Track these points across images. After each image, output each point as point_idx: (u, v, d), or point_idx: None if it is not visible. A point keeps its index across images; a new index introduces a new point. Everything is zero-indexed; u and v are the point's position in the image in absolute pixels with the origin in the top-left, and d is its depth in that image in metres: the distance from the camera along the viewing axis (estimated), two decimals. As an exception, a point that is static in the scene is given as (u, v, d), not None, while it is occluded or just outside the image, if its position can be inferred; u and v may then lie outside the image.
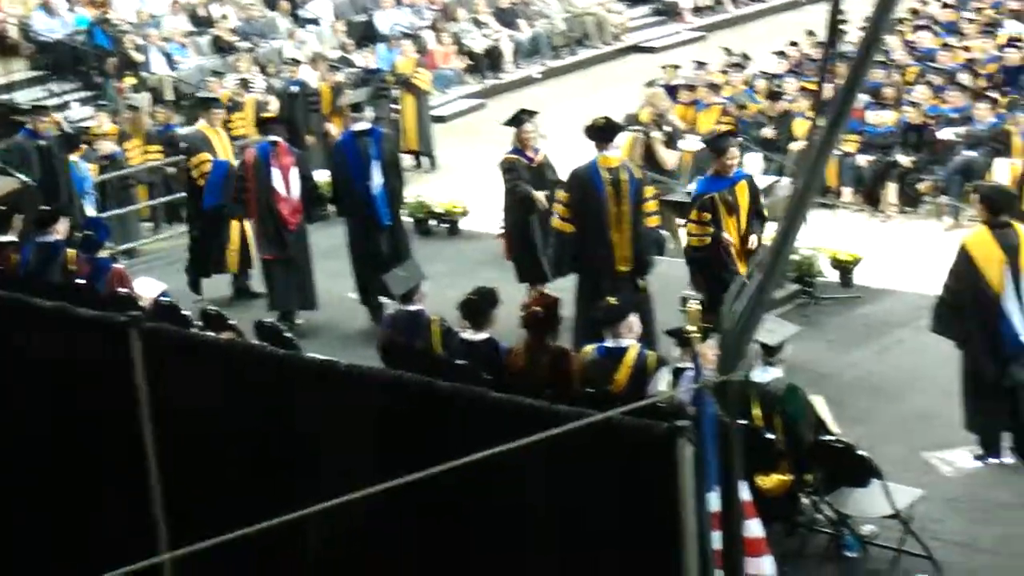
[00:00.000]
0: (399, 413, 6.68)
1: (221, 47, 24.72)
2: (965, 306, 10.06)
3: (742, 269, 11.48)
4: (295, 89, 20.98)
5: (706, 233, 11.75)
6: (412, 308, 10.58)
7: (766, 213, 12.06)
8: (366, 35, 25.88)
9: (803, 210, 5.02)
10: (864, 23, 5.00)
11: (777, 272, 5.17)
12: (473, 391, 6.30)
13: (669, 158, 16.26)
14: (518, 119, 13.73)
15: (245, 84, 21.22)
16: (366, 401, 6.88)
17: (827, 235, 15.28)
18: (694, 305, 6.19)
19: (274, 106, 19.97)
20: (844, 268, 13.93)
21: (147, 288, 11.94)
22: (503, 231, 14.15)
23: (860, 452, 9.07)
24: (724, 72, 21.99)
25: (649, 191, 12.17)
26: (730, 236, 11.72)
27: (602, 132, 12.08)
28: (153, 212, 18.66)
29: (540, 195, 13.33)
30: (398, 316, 10.69)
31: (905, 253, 15.60)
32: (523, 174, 13.47)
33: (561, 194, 12.17)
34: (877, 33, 4.73)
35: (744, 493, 6.19)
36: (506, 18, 27.45)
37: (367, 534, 6.73)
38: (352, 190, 13.66)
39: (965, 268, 10.04)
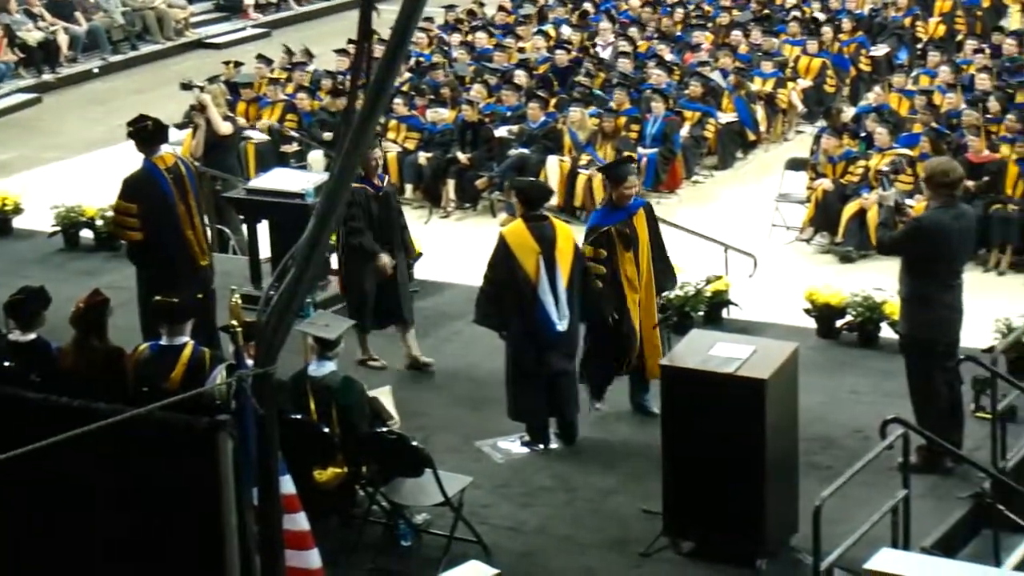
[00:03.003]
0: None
1: None
2: (504, 296, 10.47)
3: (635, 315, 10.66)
4: None
5: (598, 273, 10.68)
6: (-50, 311, 10.14)
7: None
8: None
9: (337, 205, 5.10)
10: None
11: (313, 266, 5.24)
12: (4, 391, 6.13)
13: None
14: None
15: None
16: None
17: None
18: (237, 299, 6.21)
19: None
20: (404, 263, 14.14)
21: None
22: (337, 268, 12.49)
23: (413, 443, 9.30)
24: (287, 69, 21.99)
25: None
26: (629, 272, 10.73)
27: (152, 135, 11.76)
28: None
29: (386, 260, 11.84)
30: (-65, 319, 10.23)
31: (463, 247, 16.00)
32: (370, 207, 11.84)
33: (126, 205, 11.73)
34: (404, 37, 4.86)
35: (288, 486, 6.26)
36: (62, 10, 26.58)
37: None
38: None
39: (503, 258, 10.46)
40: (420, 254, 14.16)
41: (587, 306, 10.67)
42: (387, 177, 12.32)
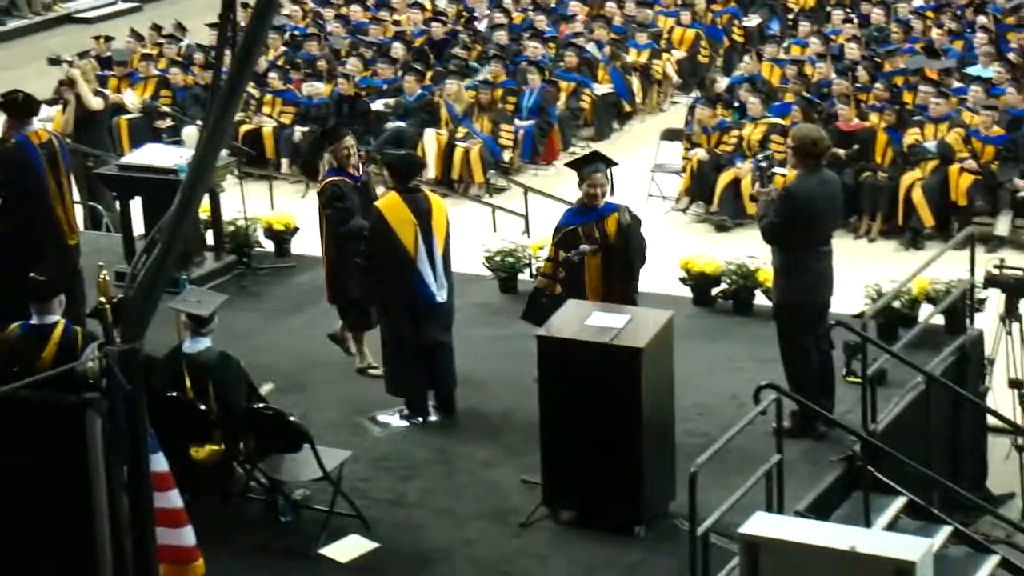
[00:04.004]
0: None
1: None
2: (382, 269, 10.43)
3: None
4: None
5: (557, 276, 10.22)
6: None
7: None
8: None
9: (204, 179, 5.05)
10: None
11: (179, 240, 5.19)
12: None
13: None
14: (336, 132, 11.36)
15: None
16: None
17: (263, 206, 15.48)
18: (105, 275, 6.13)
19: None
20: (279, 238, 14.08)
21: None
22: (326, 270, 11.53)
23: (291, 418, 9.26)
24: (158, 44, 21.72)
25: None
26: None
27: (24, 107, 11.57)
28: None
29: None
30: None
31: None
32: (353, 200, 11.01)
33: None
34: (267, 5, 4.82)
35: (160, 463, 6.20)
36: (-75, -16, 26.07)
37: None
38: None
39: (380, 232, 10.42)
40: (295, 229, 14.13)
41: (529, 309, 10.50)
42: (361, 166, 11.55)
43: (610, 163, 10.41)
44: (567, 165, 10.44)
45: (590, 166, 10.28)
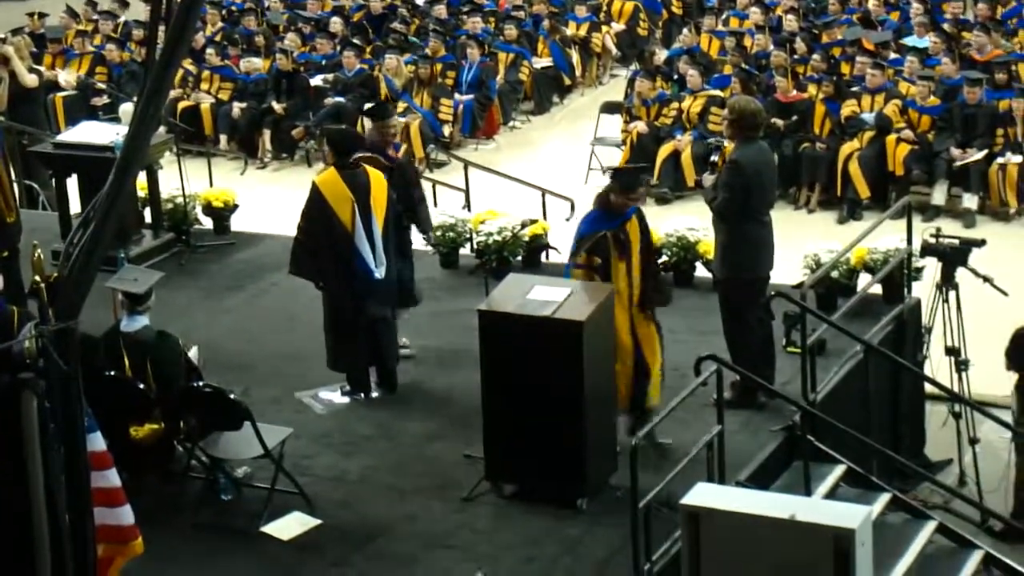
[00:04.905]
0: None
1: None
2: (320, 245, 10.39)
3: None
4: None
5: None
6: None
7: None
8: None
9: (138, 155, 5.01)
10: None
11: (113, 218, 5.15)
12: None
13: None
14: (383, 109, 11.01)
15: None
16: None
17: (202, 183, 15.36)
18: (39, 254, 6.07)
19: None
20: (218, 215, 14.00)
21: None
22: None
23: (231, 396, 9.21)
24: (93, 20, 21.54)
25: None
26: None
27: None
28: None
29: None
30: None
31: (279, 198, 15.87)
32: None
33: None
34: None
35: (97, 443, 6.16)
36: None
37: None
38: None
39: (317, 207, 10.37)
40: (234, 206, 14.06)
41: None
42: (403, 147, 11.20)
43: (649, 173, 10.19)
44: (612, 172, 10.01)
45: (637, 178, 9.98)
